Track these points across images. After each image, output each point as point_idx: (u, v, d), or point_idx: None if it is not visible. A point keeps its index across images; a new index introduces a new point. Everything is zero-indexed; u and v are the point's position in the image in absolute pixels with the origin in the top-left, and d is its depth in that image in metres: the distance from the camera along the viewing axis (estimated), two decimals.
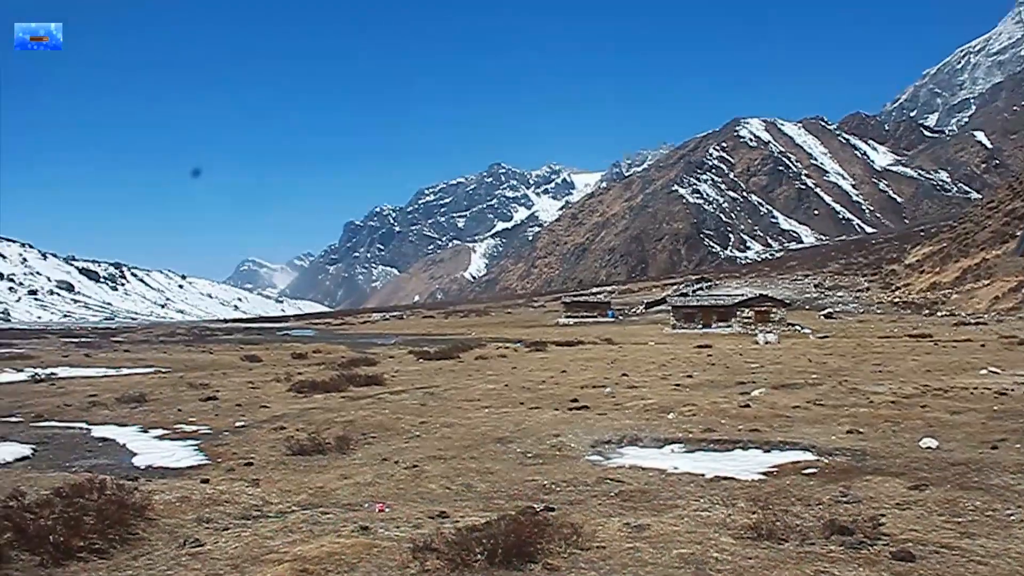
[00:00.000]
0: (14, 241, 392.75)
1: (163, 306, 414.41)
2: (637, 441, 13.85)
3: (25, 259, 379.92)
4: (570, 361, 33.34)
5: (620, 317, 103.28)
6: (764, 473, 11.05)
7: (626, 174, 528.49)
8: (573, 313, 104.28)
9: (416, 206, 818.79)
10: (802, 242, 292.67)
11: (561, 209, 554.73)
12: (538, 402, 19.44)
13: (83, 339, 70.26)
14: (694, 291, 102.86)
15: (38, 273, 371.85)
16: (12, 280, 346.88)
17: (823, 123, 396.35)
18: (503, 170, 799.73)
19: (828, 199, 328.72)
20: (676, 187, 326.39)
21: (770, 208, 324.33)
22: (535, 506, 9.00)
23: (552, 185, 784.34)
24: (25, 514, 7.45)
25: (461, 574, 6.57)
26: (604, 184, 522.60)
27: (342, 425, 15.90)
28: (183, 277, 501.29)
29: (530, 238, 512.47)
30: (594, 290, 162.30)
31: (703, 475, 10.86)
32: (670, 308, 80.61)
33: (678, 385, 22.84)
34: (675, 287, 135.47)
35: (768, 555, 7.08)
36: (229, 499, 9.29)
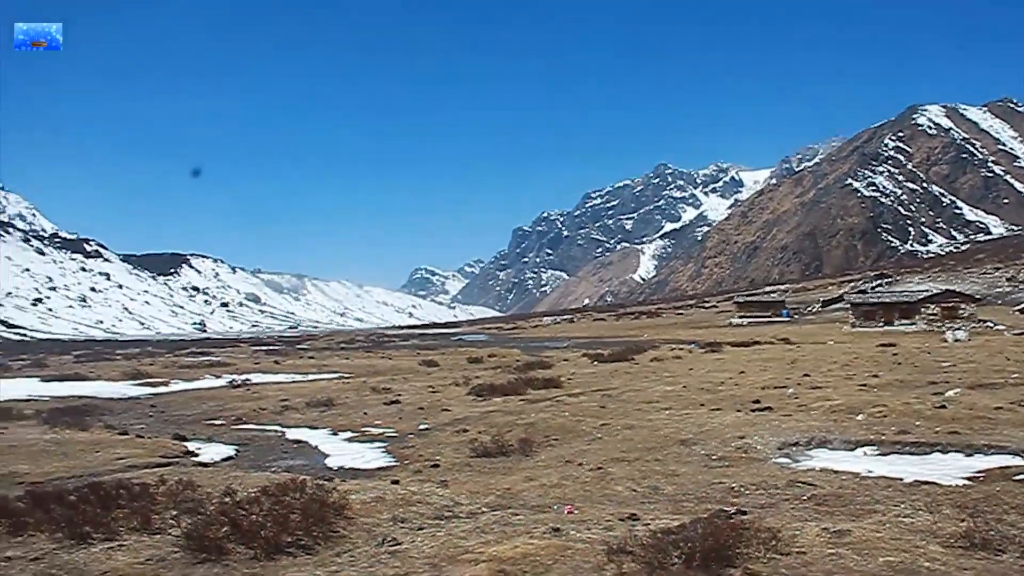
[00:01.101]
0: (208, 257, 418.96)
1: (342, 314, 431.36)
2: (826, 443, 13.34)
3: (217, 273, 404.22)
4: (747, 362, 32.50)
5: (795, 316, 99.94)
6: (969, 478, 10.38)
7: (796, 169, 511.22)
8: (746, 313, 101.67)
9: (583, 210, 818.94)
10: (990, 233, 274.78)
11: (730, 208, 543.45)
12: (719, 403, 19.02)
13: (271, 347, 73.91)
14: (873, 288, 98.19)
15: (229, 286, 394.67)
16: (207, 293, 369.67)
17: (1012, 105, 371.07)
18: (669, 171, 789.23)
19: (1020, 187, 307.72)
20: (850, 180, 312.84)
21: (953, 198, 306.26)
22: (726, 509, 8.78)
23: (720, 184, 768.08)
24: (239, 510, 7.87)
25: None
26: (774, 180, 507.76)
27: (523, 428, 16.03)
28: (360, 286, 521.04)
29: (699, 238, 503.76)
30: (767, 289, 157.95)
31: (901, 479, 10.32)
32: (848, 306, 77.22)
33: (864, 385, 21.82)
34: (852, 284, 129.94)
35: (986, 566, 6.62)
36: (421, 500, 9.50)
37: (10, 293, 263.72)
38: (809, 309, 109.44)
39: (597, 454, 12.99)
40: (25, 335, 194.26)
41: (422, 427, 17.63)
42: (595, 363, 35.29)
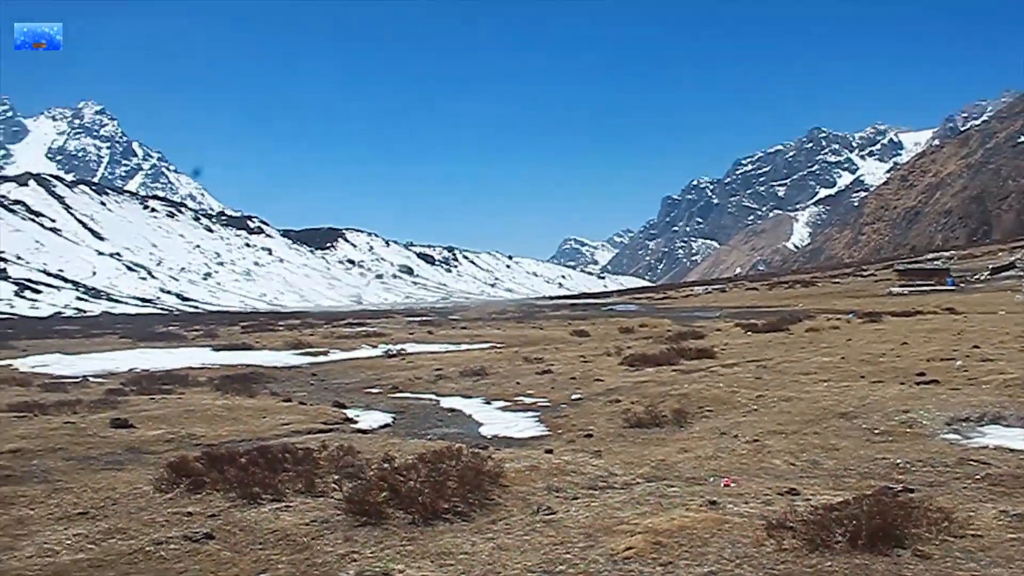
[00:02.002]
0: (362, 231, 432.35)
1: (492, 285, 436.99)
2: (1000, 419, 12.56)
3: (372, 247, 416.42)
4: (909, 332, 31.01)
5: (961, 285, 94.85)
6: None
7: (962, 128, 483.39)
8: (907, 281, 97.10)
9: (734, 177, 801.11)
10: None
11: (889, 172, 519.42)
12: (880, 375, 18.22)
13: (424, 318, 75.61)
14: None
15: (383, 259, 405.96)
16: (362, 266, 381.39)
17: None
18: (823, 134, 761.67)
19: None
20: None
21: None
22: (892, 487, 8.39)
23: (877, 147, 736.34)
24: (397, 476, 8.06)
25: (821, 555, 6.21)
26: (936, 142, 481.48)
27: (676, 398, 15.81)
28: (509, 257, 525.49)
29: (856, 204, 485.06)
30: (929, 256, 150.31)
31: None
32: (1022, 273, 72.89)
33: None
34: None
35: None
36: (575, 469, 9.49)
37: (184, 268, 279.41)
38: (976, 277, 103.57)
39: (753, 426, 12.67)
40: (197, 307, 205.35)
41: (574, 397, 17.65)
42: (749, 333, 34.46)
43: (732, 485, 8.75)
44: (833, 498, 7.61)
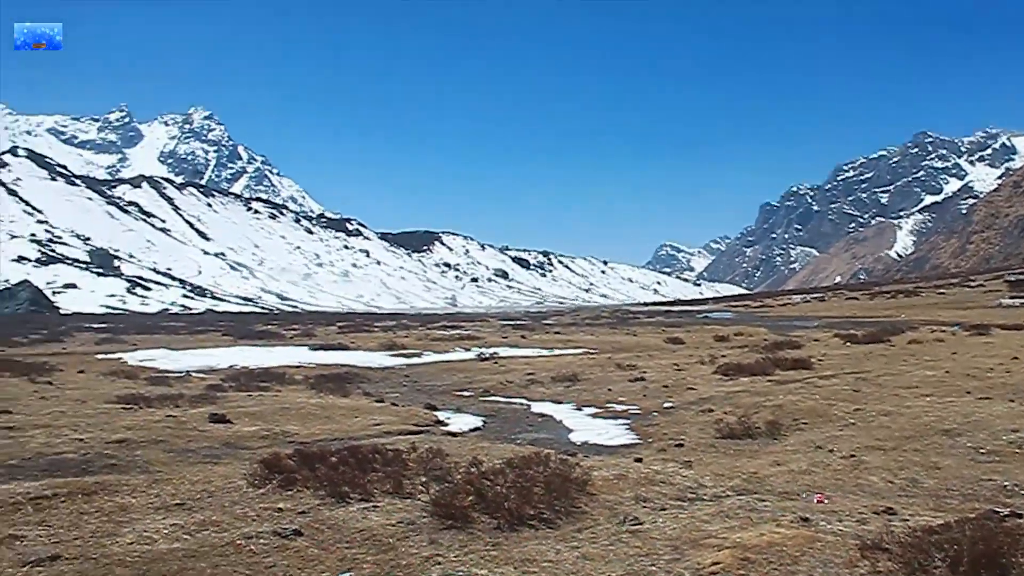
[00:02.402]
0: (458, 234, 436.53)
1: (587, 290, 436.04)
2: None
3: (467, 251, 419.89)
4: (1021, 347, 29.78)
5: None
6: None
7: None
8: (1019, 293, 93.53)
9: (834, 183, 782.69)
10: None
11: (1000, 178, 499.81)
12: (987, 391, 17.48)
13: (518, 322, 75.78)
14: None
15: (478, 262, 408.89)
16: (457, 269, 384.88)
17: None
18: (929, 139, 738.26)
19: None
20: None
21: None
22: (998, 510, 8.01)
23: (988, 152, 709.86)
24: (484, 480, 8.06)
25: None
26: None
27: (771, 409, 15.47)
28: (604, 263, 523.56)
29: (963, 211, 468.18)
30: None
31: None
32: None
33: None
34: None
35: None
36: (664, 479, 9.34)
37: (284, 268, 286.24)
38: None
39: (850, 441, 12.30)
40: (296, 307, 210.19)
41: (666, 405, 17.43)
42: (847, 344, 33.56)
43: (825, 501, 8.50)
44: (933, 520, 7.31)
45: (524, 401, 19.46)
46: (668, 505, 8.31)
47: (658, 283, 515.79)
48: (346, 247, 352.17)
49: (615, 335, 47.74)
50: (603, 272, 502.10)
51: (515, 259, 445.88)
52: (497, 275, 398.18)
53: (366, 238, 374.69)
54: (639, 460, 10.92)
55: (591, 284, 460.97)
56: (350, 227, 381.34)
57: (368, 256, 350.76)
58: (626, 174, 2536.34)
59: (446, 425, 15.58)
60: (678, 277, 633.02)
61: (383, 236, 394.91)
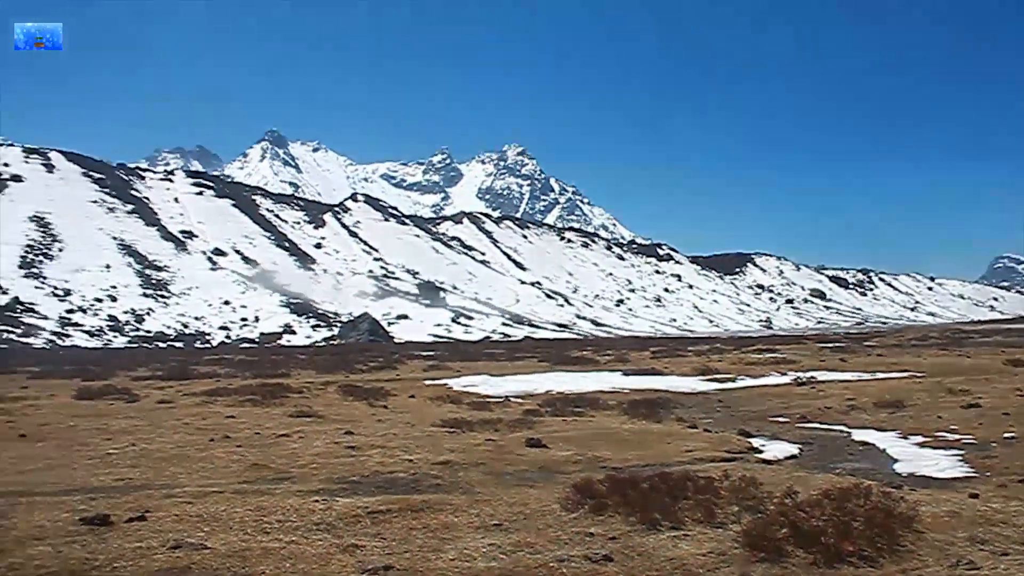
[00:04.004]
0: (771, 255, 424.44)
1: (912, 309, 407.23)
2: None
3: (782, 271, 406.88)
4: None
5: None
6: None
7: None
8: None
9: None
10: None
11: None
12: None
13: (836, 344, 72.24)
14: None
15: (793, 283, 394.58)
16: (771, 291, 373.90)
17: None
18: None
19: None
20: None
21: None
22: None
23: None
24: (799, 512, 7.76)
25: None
26: None
27: None
28: (931, 279, 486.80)
29: None
30: None
31: None
32: None
33: None
34: None
35: None
36: (1005, 520, 8.48)
37: (597, 295, 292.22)
38: None
39: None
40: (610, 332, 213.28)
41: (1007, 435, 15.84)
42: None
43: None
44: None
45: (843, 428, 18.50)
46: (1011, 550, 7.53)
47: (994, 299, 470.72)
48: (658, 272, 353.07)
49: (945, 357, 44.21)
50: (930, 289, 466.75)
51: (832, 278, 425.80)
52: (813, 295, 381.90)
53: (677, 262, 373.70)
54: (975, 496, 10.00)
55: (916, 302, 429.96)
56: (661, 252, 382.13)
57: (680, 280, 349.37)
58: (954, 181, 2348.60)
59: (760, 452, 15.15)
60: (1018, 292, 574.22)
61: (694, 260, 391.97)
